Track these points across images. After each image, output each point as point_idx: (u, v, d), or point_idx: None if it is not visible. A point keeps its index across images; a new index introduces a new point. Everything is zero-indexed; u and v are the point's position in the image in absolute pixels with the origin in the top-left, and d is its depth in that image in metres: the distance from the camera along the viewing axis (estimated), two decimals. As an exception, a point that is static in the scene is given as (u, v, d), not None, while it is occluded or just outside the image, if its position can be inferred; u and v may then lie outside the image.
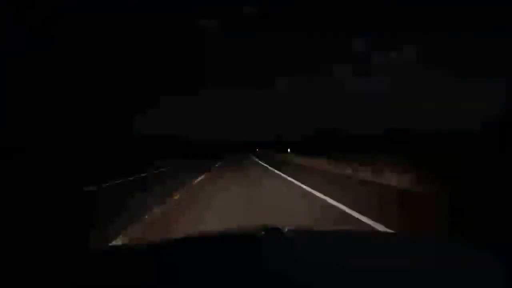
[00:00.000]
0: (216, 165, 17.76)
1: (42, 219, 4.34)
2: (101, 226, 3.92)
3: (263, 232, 1.11)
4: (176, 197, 6.18)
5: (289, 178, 9.48)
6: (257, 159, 26.27)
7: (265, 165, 17.60)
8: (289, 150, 28.71)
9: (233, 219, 4.22)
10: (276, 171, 12.77)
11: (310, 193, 6.50)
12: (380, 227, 3.65)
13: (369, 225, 3.78)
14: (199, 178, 9.97)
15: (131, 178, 10.29)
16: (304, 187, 7.37)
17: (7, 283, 0.74)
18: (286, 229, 1.14)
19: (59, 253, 1.56)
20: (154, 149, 31.82)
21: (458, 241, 1.22)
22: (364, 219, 4.03)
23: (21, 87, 16.11)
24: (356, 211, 4.43)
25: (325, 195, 5.94)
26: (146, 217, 4.42)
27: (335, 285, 0.70)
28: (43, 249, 2.91)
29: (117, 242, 3.31)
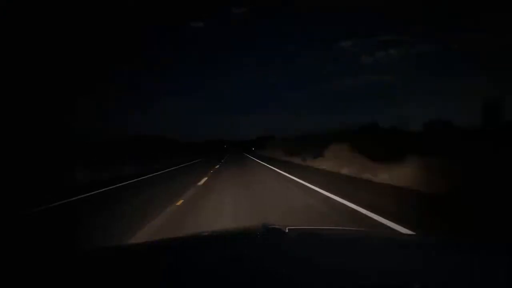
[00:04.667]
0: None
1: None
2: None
3: (263, 232, 1.13)
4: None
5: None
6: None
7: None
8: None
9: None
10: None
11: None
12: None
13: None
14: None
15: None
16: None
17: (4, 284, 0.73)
18: (287, 229, 1.14)
19: (56, 254, 1.48)
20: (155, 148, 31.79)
21: (458, 241, 1.25)
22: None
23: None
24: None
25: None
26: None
27: (336, 284, 0.70)
28: (40, 251, 2.94)
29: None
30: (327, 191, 6.53)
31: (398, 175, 7.36)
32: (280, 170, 12.69)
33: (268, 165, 16.26)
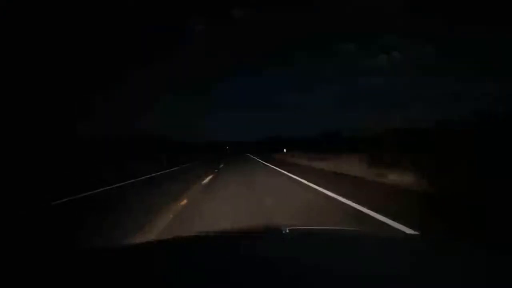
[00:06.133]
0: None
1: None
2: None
3: (263, 232, 1.15)
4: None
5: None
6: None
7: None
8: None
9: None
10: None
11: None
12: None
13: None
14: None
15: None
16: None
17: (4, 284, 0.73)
18: (287, 229, 1.15)
19: (56, 253, 1.46)
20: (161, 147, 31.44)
21: (458, 241, 1.26)
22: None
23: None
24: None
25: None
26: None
27: (337, 285, 0.70)
28: (39, 250, 2.94)
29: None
30: None
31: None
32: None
33: None
